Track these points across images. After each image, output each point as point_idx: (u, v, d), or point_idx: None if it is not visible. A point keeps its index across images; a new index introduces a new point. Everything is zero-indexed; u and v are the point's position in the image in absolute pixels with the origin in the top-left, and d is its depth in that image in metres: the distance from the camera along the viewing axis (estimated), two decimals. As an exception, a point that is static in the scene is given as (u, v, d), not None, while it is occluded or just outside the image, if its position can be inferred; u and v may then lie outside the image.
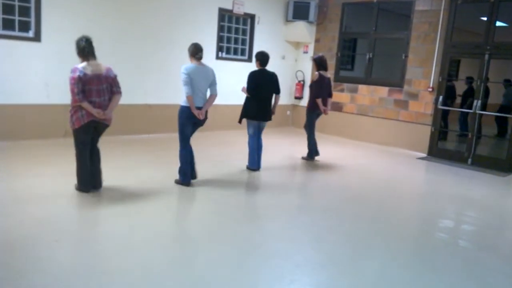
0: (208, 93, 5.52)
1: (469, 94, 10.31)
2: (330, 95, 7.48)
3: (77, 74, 4.52)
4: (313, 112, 7.40)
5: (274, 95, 6.49)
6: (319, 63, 7.38)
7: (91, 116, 4.63)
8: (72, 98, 4.59)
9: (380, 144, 9.51)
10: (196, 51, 5.37)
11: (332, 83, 10.18)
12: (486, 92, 10.91)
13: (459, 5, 8.44)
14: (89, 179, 4.85)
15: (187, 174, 5.46)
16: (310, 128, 7.46)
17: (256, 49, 10.16)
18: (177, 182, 5.49)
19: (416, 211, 5.65)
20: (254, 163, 6.42)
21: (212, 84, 5.47)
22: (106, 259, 3.52)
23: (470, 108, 8.53)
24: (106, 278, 3.19)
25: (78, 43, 4.68)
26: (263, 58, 6.32)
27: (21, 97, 7.10)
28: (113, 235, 4.00)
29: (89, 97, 4.60)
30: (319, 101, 7.23)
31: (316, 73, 7.37)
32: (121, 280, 3.19)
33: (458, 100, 10.97)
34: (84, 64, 4.64)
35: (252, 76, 6.28)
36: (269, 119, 6.44)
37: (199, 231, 4.34)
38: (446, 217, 5.35)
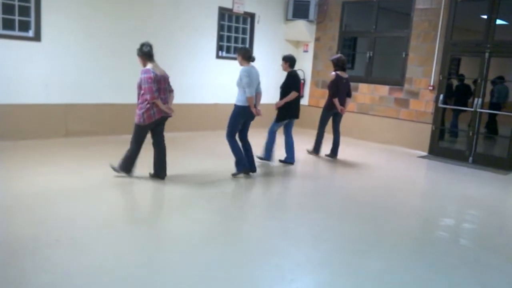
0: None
1: (461, 92, 10.32)
2: (349, 95, 7.61)
3: (151, 74, 5.04)
4: (329, 110, 7.56)
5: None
6: (336, 63, 7.52)
7: (162, 113, 5.23)
8: (150, 96, 5.08)
9: (380, 142, 9.51)
10: (249, 54, 5.89)
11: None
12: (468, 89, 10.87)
13: (459, 3, 8.42)
14: (135, 165, 5.44)
15: (244, 163, 5.99)
16: (320, 125, 7.65)
17: (256, 48, 10.22)
18: (236, 174, 5.99)
19: (417, 210, 5.64)
20: (291, 156, 6.96)
21: (259, 84, 5.97)
22: (106, 258, 3.52)
23: (464, 106, 8.54)
24: (106, 278, 3.19)
25: (142, 47, 5.24)
26: (291, 60, 6.78)
27: (21, 97, 7.10)
28: (112, 235, 4.00)
29: (160, 95, 5.17)
30: (336, 100, 7.36)
31: (333, 73, 7.48)
32: (121, 279, 3.19)
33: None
34: (151, 65, 5.19)
35: (296, 76, 6.86)
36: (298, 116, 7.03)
37: (199, 230, 4.33)
38: (447, 216, 5.34)
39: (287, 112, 6.79)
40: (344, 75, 7.48)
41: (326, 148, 7.76)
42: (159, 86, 5.19)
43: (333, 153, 7.70)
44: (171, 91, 5.48)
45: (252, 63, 5.91)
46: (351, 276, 3.51)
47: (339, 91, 7.38)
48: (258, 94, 5.94)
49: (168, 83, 5.41)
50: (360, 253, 3.94)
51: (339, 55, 7.88)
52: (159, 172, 5.56)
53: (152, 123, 5.27)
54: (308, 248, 3.99)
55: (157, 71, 5.20)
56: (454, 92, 10.56)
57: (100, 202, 4.72)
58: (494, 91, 11.31)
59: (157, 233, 4.12)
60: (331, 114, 7.61)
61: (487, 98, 10.95)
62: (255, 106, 5.90)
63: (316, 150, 7.72)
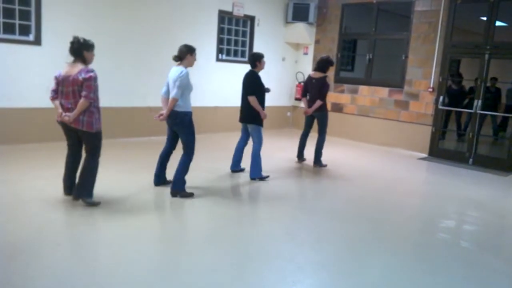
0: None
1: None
2: (319, 97, 7.06)
3: (56, 73, 4.57)
4: (304, 113, 7.41)
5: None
6: (316, 63, 7.38)
7: (59, 117, 4.53)
8: None
9: (380, 144, 9.51)
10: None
11: (332, 84, 10.22)
12: (498, 93, 10.82)
13: (458, 5, 8.44)
14: (66, 183, 4.78)
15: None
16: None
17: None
18: (184, 195, 5.19)
19: (417, 212, 5.65)
20: (232, 164, 6.44)
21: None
22: (106, 262, 3.53)
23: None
24: (107, 281, 3.19)
25: (70, 42, 4.60)
26: (249, 60, 6.29)
27: (22, 101, 7.11)
28: (113, 238, 4.00)
29: (60, 98, 4.53)
30: (303, 100, 7.32)
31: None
32: (122, 282, 3.19)
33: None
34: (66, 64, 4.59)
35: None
36: (244, 121, 6.21)
37: (201, 234, 4.34)
38: (447, 217, 5.35)
39: None
40: (315, 75, 7.16)
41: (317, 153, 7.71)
42: (60, 88, 4.48)
43: (314, 162, 7.35)
44: (83, 96, 4.39)
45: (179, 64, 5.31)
46: (352, 278, 3.51)
47: (307, 91, 7.22)
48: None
49: (79, 85, 4.41)
50: (361, 255, 3.95)
51: (323, 55, 7.55)
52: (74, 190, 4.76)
53: (59, 124, 4.63)
54: (309, 250, 3.99)
55: (64, 71, 4.50)
56: (468, 94, 10.49)
57: (101, 204, 4.71)
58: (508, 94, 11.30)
59: (158, 236, 4.12)
60: (309, 116, 7.33)
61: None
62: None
63: (298, 155, 7.50)
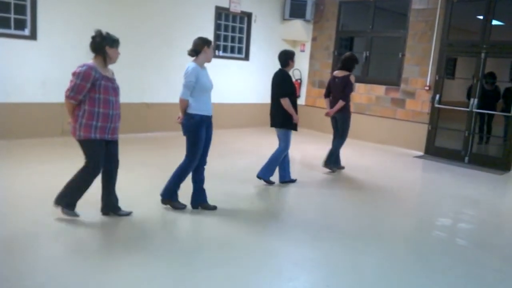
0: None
1: (488, 95, 10.15)
2: (341, 97, 6.61)
3: None
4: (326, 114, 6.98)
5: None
6: (340, 62, 6.90)
7: None
8: None
9: (377, 142, 9.52)
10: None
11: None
12: None
13: (455, 3, 8.46)
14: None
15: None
16: None
17: (252, 48, 10.23)
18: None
19: (413, 210, 5.66)
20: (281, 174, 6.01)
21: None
22: (104, 257, 3.51)
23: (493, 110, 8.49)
24: (103, 277, 3.18)
25: (92, 37, 4.16)
26: (278, 58, 5.82)
27: (18, 96, 7.07)
28: (111, 233, 3.99)
29: None
30: (324, 101, 6.98)
31: None
32: (118, 279, 3.18)
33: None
34: None
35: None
36: (274, 125, 5.82)
37: (198, 231, 4.33)
38: (443, 216, 5.36)
39: None
40: (339, 74, 6.78)
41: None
42: None
43: (325, 162, 6.85)
44: None
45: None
46: (348, 275, 3.52)
47: (330, 91, 6.84)
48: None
49: None
50: (357, 253, 3.95)
51: (347, 53, 7.02)
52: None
53: None
54: (305, 247, 3.99)
55: None
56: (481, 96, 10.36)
57: (97, 201, 4.69)
58: None
59: (155, 234, 4.10)
60: (333, 119, 6.92)
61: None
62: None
63: (326, 163, 6.86)
